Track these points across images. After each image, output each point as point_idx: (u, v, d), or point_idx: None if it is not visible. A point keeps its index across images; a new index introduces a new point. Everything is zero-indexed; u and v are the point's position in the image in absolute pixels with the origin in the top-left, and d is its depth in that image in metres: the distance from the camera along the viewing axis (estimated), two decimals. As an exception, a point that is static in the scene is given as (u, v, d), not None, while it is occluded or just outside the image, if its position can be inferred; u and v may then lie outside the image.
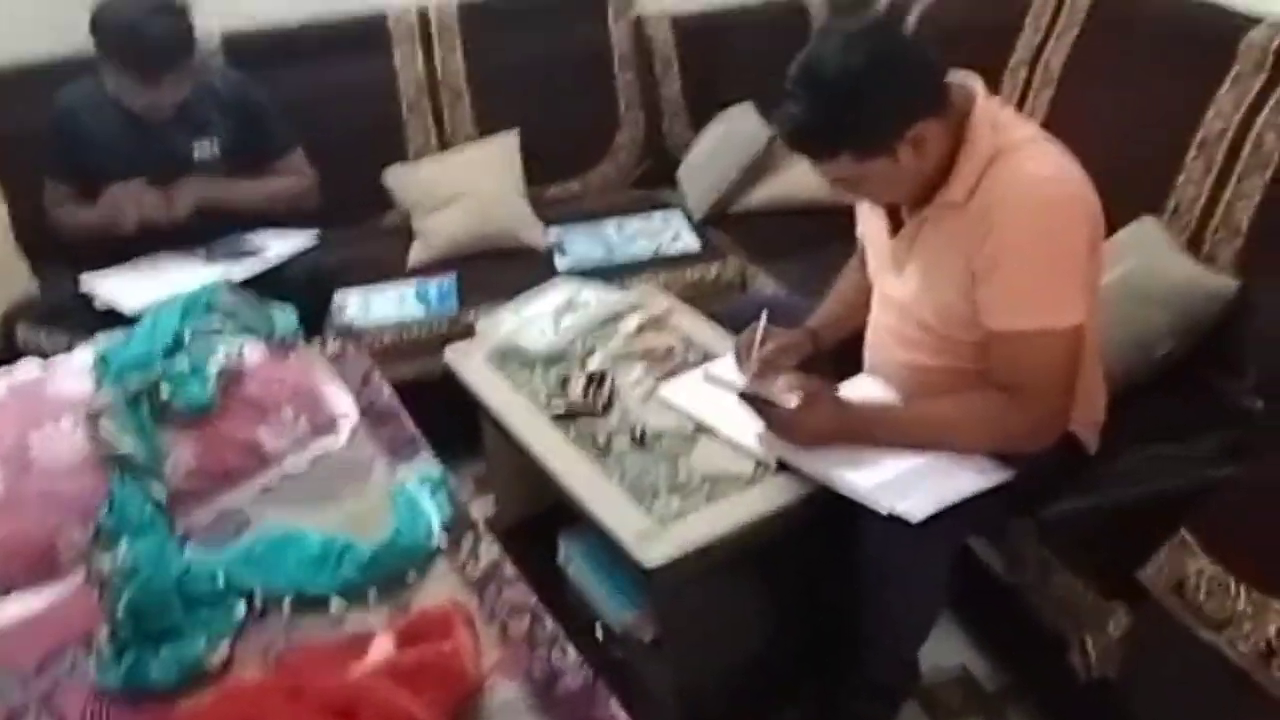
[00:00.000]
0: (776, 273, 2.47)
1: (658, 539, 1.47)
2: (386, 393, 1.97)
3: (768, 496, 1.54)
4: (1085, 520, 1.56)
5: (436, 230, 2.67)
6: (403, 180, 2.75)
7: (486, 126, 2.83)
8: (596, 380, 1.84)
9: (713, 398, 1.71)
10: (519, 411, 1.82)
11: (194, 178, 2.32)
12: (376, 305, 2.45)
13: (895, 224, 1.60)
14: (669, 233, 2.69)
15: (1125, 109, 2.08)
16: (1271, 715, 1.19)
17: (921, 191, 1.50)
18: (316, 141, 2.53)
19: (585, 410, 1.78)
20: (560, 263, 2.59)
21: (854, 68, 1.37)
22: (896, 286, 1.62)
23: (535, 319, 2.07)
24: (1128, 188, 2.02)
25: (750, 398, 1.53)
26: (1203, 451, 1.68)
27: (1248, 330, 1.78)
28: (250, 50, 2.67)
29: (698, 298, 2.48)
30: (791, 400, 1.51)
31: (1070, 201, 1.41)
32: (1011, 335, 1.43)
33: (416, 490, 1.64)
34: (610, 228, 2.74)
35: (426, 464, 1.72)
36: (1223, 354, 1.84)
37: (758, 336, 1.72)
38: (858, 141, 1.41)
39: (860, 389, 1.65)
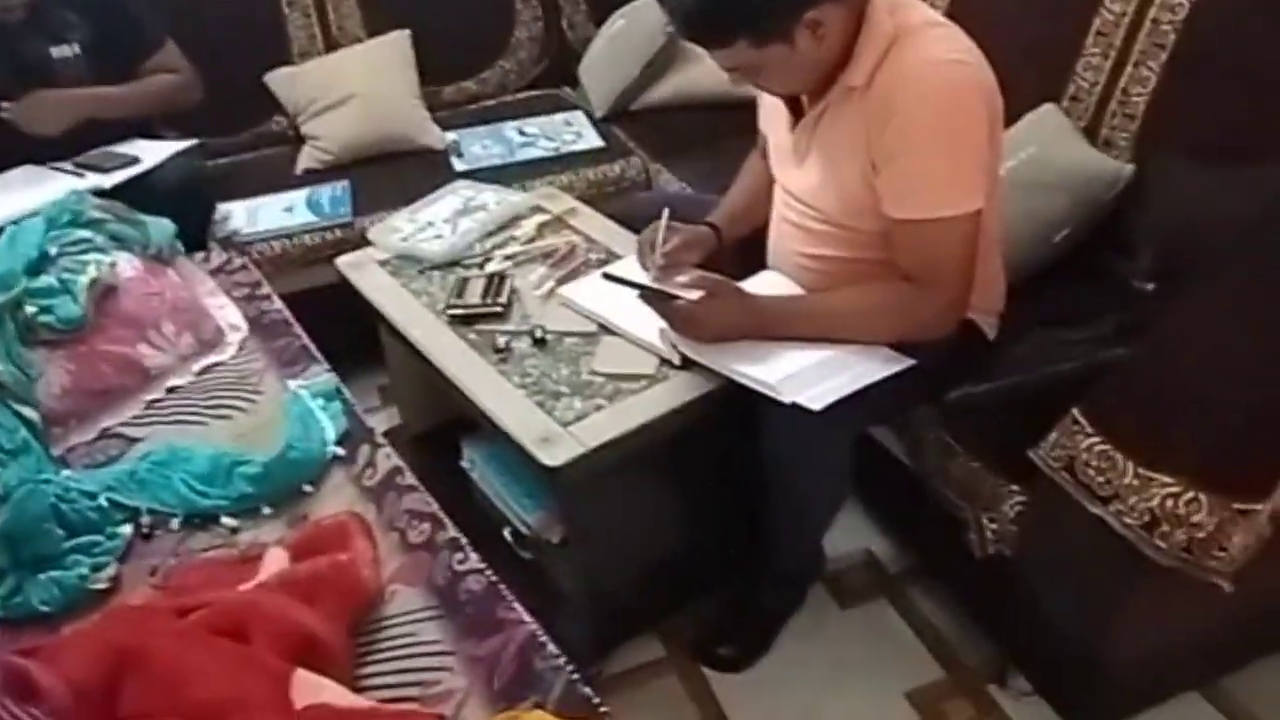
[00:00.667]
0: (681, 169, 2.42)
1: (560, 440, 1.44)
2: (276, 304, 1.89)
3: (671, 393, 1.52)
4: (984, 405, 1.57)
5: (326, 135, 2.55)
6: (286, 83, 2.61)
7: (375, 25, 2.69)
8: (495, 282, 1.79)
9: (614, 297, 1.67)
10: (416, 318, 1.76)
11: (71, 93, 2.16)
12: (264, 215, 2.33)
13: (796, 116, 1.56)
14: (571, 132, 2.61)
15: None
16: (1156, 580, 1.23)
17: (821, 80, 1.46)
18: (190, 44, 2.38)
19: (484, 313, 1.73)
20: (458, 165, 2.50)
21: None
22: (798, 179, 1.59)
23: (431, 224, 2.00)
24: (1028, 75, 2.02)
25: (651, 294, 1.49)
26: (1098, 334, 1.71)
27: (1141, 214, 1.80)
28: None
29: (601, 197, 2.44)
30: (693, 295, 1.48)
31: (970, 85, 1.39)
32: (912, 223, 1.42)
33: (310, 401, 1.58)
34: (510, 129, 2.65)
35: (319, 375, 1.67)
36: (1118, 238, 1.86)
37: (660, 234, 1.68)
38: (752, 27, 1.36)
39: (764, 284, 1.63)
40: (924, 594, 1.82)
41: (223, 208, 2.36)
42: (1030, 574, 1.42)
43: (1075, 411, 1.33)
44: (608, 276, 1.51)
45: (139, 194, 2.10)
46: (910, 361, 1.46)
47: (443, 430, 1.96)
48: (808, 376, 1.41)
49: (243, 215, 2.34)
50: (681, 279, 1.50)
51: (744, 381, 1.44)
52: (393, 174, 2.46)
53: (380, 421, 2.23)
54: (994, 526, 1.47)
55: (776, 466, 1.49)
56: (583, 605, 1.64)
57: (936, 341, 1.48)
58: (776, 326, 1.49)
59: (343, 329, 1.88)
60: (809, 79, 1.48)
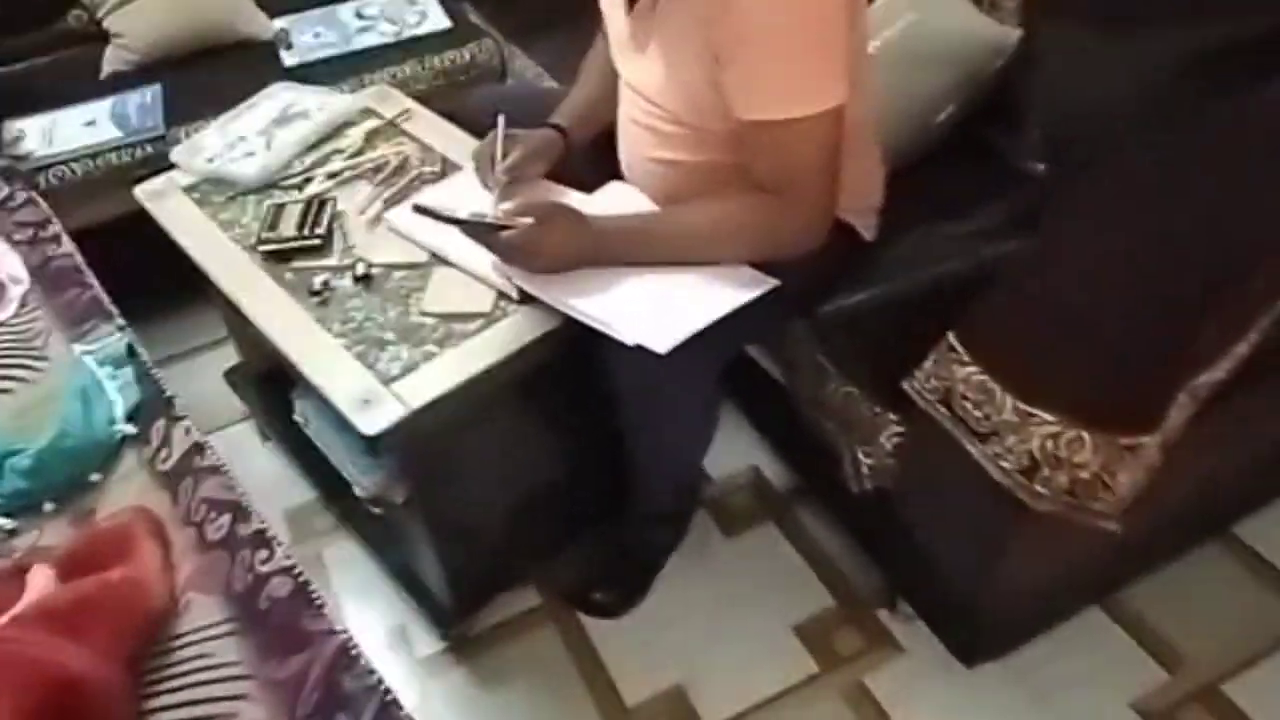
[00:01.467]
0: (539, 52, 2.17)
1: (381, 401, 1.26)
2: (65, 247, 1.65)
3: (509, 334, 1.34)
4: (862, 318, 1.43)
5: (130, 31, 2.22)
6: (81, -30, 2.26)
7: (176, -107, 2.32)
8: (314, 209, 1.56)
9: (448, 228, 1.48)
10: (223, 256, 1.53)
11: None
12: (62, 132, 2.04)
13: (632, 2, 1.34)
14: (415, 11, 2.32)
15: None
16: (1037, 521, 1.12)
17: None
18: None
19: (300, 247, 1.51)
20: (287, 58, 2.22)
21: None
22: (639, 72, 1.38)
23: (244, 138, 1.74)
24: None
25: (470, 226, 1.29)
26: (986, 226, 1.56)
27: (1030, 87, 1.63)
28: None
29: (449, 87, 2.20)
30: (520, 223, 1.28)
31: None
32: (763, 125, 1.23)
33: (96, 370, 1.37)
34: (346, 10, 2.34)
35: (110, 336, 1.44)
36: (1004, 114, 1.69)
37: (498, 146, 1.46)
38: None
39: (611, 199, 1.44)
40: (813, 516, 1.71)
41: (13, 125, 2.06)
42: (909, 511, 1.31)
43: (951, 336, 1.19)
44: (418, 209, 1.30)
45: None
46: (772, 283, 1.29)
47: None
48: (652, 310, 1.24)
49: (37, 134, 2.04)
50: (505, 205, 1.30)
51: (582, 319, 1.26)
52: (210, 74, 2.17)
53: (226, 358, 2.03)
54: (870, 461, 1.35)
55: (633, 407, 1.33)
56: (439, 564, 1.50)
57: (804, 255, 1.32)
58: (619, 251, 1.31)
59: (166, 259, 1.64)
60: None
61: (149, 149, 2.02)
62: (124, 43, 2.22)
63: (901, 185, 1.54)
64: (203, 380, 2.02)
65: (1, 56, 2.29)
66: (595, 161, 1.56)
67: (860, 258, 1.49)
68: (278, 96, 1.84)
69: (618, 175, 1.53)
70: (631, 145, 1.47)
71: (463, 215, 1.33)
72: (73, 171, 1.99)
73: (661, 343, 1.19)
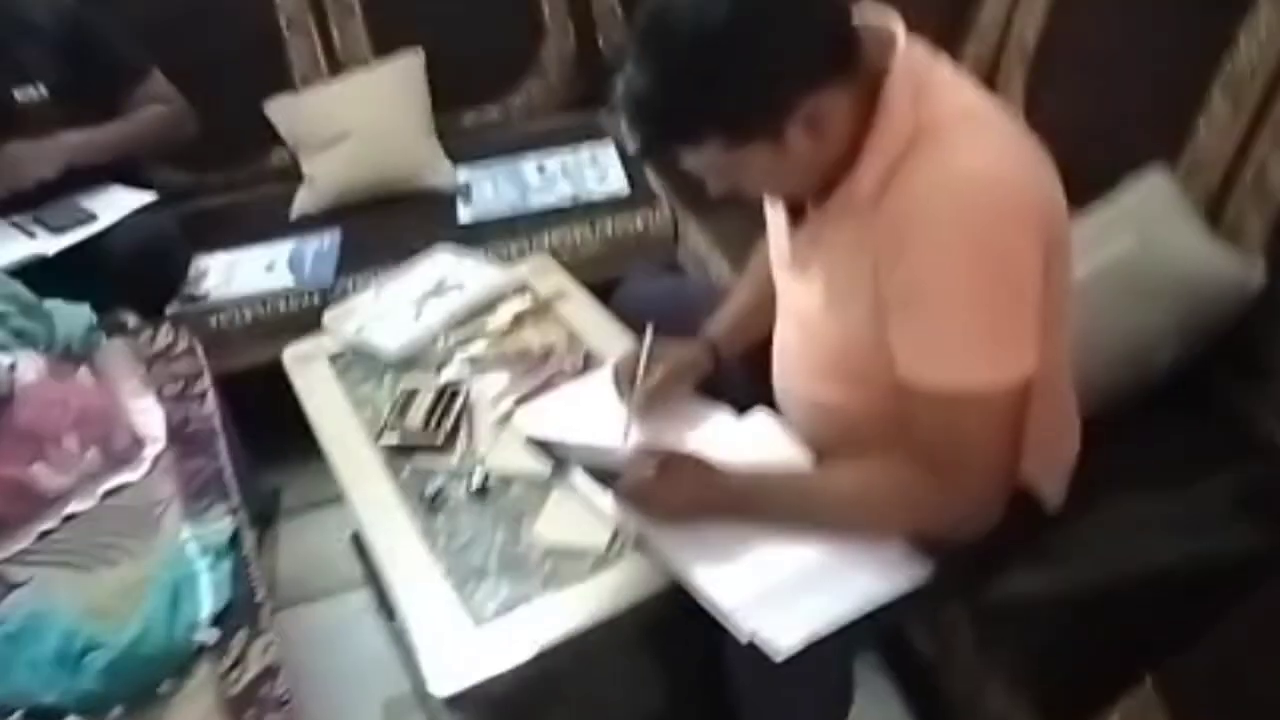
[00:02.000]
0: (713, 224, 2.06)
1: (460, 652, 1.13)
2: (208, 408, 1.63)
3: (616, 587, 1.19)
4: (1035, 614, 1.19)
5: (324, 175, 2.28)
6: (287, 113, 2.35)
7: (384, 45, 2.40)
8: (446, 398, 1.48)
9: (580, 428, 1.36)
10: (347, 439, 1.48)
11: (45, 144, 1.95)
12: (241, 274, 2.09)
13: (795, 217, 1.20)
14: (595, 171, 2.27)
15: (1135, 21, 1.61)
16: None
17: (825, 180, 1.09)
18: (181, 70, 2.15)
19: (424, 442, 1.43)
20: (464, 213, 2.20)
21: (718, 19, 0.95)
22: (800, 294, 1.23)
23: (395, 307, 1.71)
24: (1133, 127, 1.59)
25: (587, 460, 1.16)
26: (1207, 507, 1.29)
27: (1275, 336, 1.36)
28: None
29: (619, 253, 2.12)
30: (643, 467, 1.14)
31: (1010, 209, 0.99)
32: (931, 393, 1.04)
33: (195, 559, 1.31)
34: (529, 166, 2.32)
35: (220, 519, 1.40)
36: (1244, 363, 1.42)
37: (641, 362, 1.34)
38: (725, 124, 1.00)
39: (757, 434, 1.28)
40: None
41: (201, 262, 2.13)
42: None
43: (1150, 682, 0.95)
44: (532, 442, 1.18)
45: (91, 255, 1.89)
46: (922, 576, 1.09)
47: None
48: (776, 597, 1.06)
49: (220, 272, 2.10)
50: (631, 443, 1.15)
51: (694, 594, 1.09)
52: (389, 224, 2.19)
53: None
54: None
55: (748, 691, 1.15)
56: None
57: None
58: (749, 509, 1.14)
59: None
60: (806, 182, 1.11)
61: (316, 299, 2.03)
62: (315, 186, 2.28)
63: (1103, 439, 1.29)
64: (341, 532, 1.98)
65: (210, 188, 2.41)
66: (749, 377, 1.42)
67: (1040, 530, 1.25)
68: (438, 261, 1.81)
69: (771, 395, 1.37)
70: (788, 376, 1.31)
71: (576, 444, 1.21)
72: (243, 315, 2.03)
73: (781, 645, 1.01)
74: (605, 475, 1.15)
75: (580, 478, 1.28)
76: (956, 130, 1.02)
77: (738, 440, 1.26)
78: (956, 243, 0.99)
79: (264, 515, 2.12)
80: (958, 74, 1.10)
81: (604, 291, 1.68)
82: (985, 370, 1.02)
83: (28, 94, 1.98)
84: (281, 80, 2.38)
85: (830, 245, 1.13)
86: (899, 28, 1.07)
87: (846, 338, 1.15)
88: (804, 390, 1.26)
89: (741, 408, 1.54)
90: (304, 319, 1.97)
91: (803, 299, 1.22)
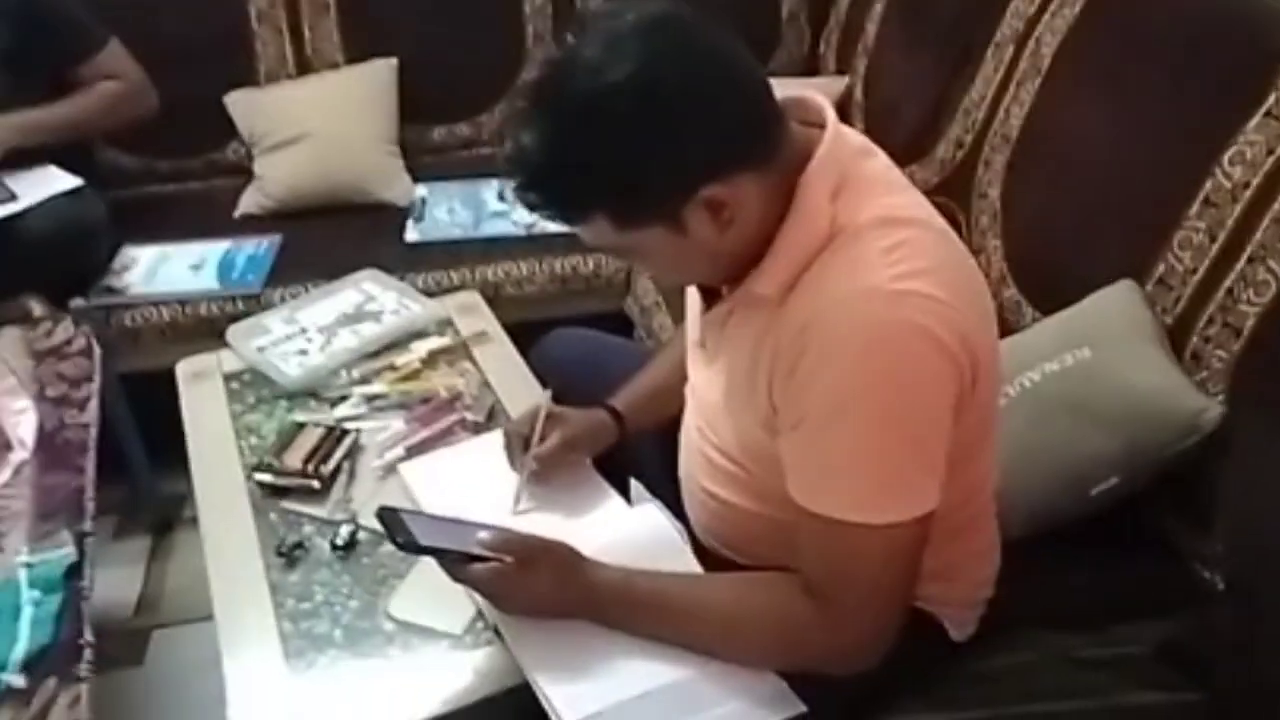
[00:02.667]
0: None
1: (280, 734, 1.02)
2: (86, 415, 1.53)
3: (468, 679, 1.07)
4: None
5: (274, 175, 2.19)
6: (246, 107, 2.26)
7: (357, 50, 2.31)
8: (333, 439, 1.38)
9: (463, 490, 1.26)
10: (218, 472, 1.37)
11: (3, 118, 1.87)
12: (166, 272, 1.99)
13: (708, 301, 1.09)
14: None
15: (1123, 126, 1.52)
16: None
17: (735, 268, 0.98)
18: (142, 52, 2.07)
19: (298, 485, 1.32)
20: (412, 232, 2.10)
21: (615, 86, 0.84)
22: (704, 382, 1.12)
23: (305, 330, 1.60)
24: (1108, 236, 1.50)
25: (433, 551, 1.05)
26: (1131, 651, 1.19)
27: (1224, 481, 1.26)
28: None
29: (566, 294, 2.03)
30: (502, 559, 1.03)
31: (925, 338, 0.88)
32: (818, 517, 0.93)
33: (22, 590, 1.20)
34: (489, 189, 2.22)
35: (61, 547, 1.29)
36: (1185, 498, 1.32)
37: (536, 428, 1.24)
38: (614, 202, 0.90)
39: (638, 530, 1.17)
40: None
41: (129, 253, 2.03)
42: None
43: None
44: (383, 514, 1.06)
45: (6, 236, 1.80)
46: (799, 710, 0.98)
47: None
48: (624, 718, 0.95)
49: (146, 266, 2.00)
50: (483, 536, 1.04)
51: (536, 690, 0.98)
52: (332, 235, 2.09)
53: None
54: None
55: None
56: None
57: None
58: (611, 615, 1.03)
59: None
60: (710, 271, 1.01)
61: (240, 305, 1.93)
62: (262, 185, 2.18)
63: (1029, 565, 1.19)
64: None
65: (159, 175, 2.31)
66: (660, 453, 1.31)
67: (941, 660, 1.15)
68: (360, 287, 1.71)
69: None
70: (688, 462, 1.20)
71: (441, 518, 1.10)
72: (160, 315, 1.93)
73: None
74: (458, 560, 1.04)
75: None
76: (877, 236, 0.91)
77: (620, 534, 1.16)
78: (858, 369, 0.88)
79: (164, 522, 2.02)
80: (891, 171, 1.00)
81: (541, 333, 1.58)
82: (880, 506, 0.91)
83: (-31, 62, 1.90)
84: (246, 74, 2.29)
85: (734, 338, 1.03)
86: (829, 113, 0.97)
87: (742, 439, 1.05)
88: (702, 482, 1.16)
89: (650, 483, 1.45)
90: (221, 325, 1.86)
91: (706, 388, 1.12)
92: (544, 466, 1.24)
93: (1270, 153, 1.28)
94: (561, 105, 0.87)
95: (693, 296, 1.14)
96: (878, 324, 0.87)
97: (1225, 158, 1.32)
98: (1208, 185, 1.34)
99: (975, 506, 1.10)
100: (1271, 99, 1.29)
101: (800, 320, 0.91)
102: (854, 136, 0.99)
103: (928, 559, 0.98)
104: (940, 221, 0.97)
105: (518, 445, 1.25)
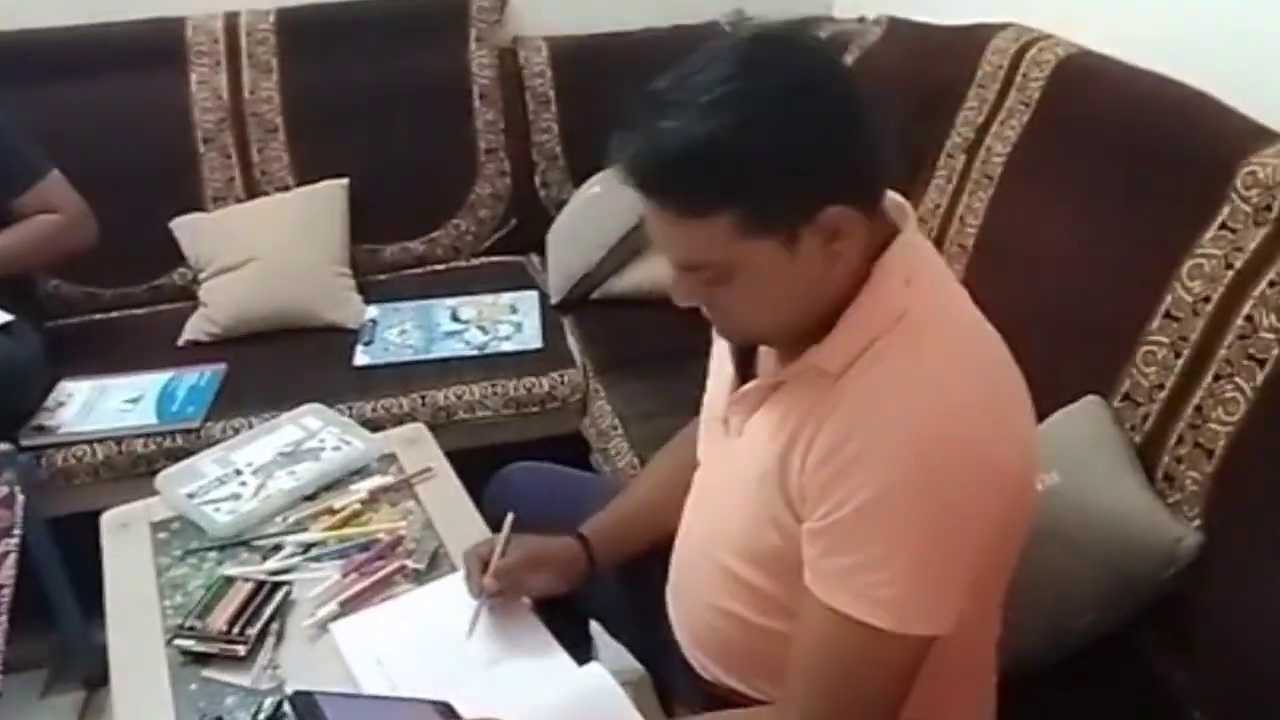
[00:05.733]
0: (621, 397, 1.90)
1: None
2: (4, 574, 1.43)
3: None
4: None
5: (220, 301, 2.13)
6: (193, 232, 2.21)
7: (307, 172, 2.27)
8: (263, 594, 1.29)
9: (400, 650, 1.17)
10: (135, 637, 1.27)
11: None
12: (102, 408, 1.90)
13: (742, 376, 1.04)
14: (510, 323, 2.12)
15: (1080, 236, 1.49)
16: None
17: (808, 323, 0.92)
18: (86, 179, 2.02)
19: (222, 651, 1.22)
20: (361, 356, 2.04)
21: (773, 86, 0.83)
22: (720, 460, 1.07)
23: (240, 473, 1.52)
24: (1072, 348, 1.45)
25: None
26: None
27: (1208, 607, 1.19)
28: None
29: (518, 418, 1.96)
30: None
31: (986, 474, 0.86)
32: (832, 614, 0.88)
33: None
34: (443, 309, 2.17)
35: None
36: (1169, 632, 1.24)
37: (497, 551, 1.18)
38: (754, 201, 0.84)
39: (583, 695, 1.08)
40: None
41: (66, 387, 1.96)
42: None
43: None
44: (296, 700, 0.97)
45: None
46: None
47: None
48: None
49: (80, 403, 1.92)
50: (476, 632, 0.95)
51: None
52: (279, 362, 2.02)
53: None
54: None
55: None
56: None
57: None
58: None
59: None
60: (787, 316, 0.93)
61: (178, 440, 1.85)
62: (208, 312, 2.12)
63: (1007, 706, 1.11)
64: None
65: (102, 304, 2.25)
66: (625, 588, 1.25)
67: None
68: (299, 423, 1.63)
69: (646, 609, 1.19)
70: (690, 576, 1.13)
71: (368, 697, 1.02)
72: (94, 453, 1.84)
73: None
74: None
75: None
76: (943, 334, 0.90)
77: (564, 699, 1.07)
78: (911, 474, 0.84)
79: (99, 675, 1.90)
80: (956, 283, 0.98)
81: (495, 457, 1.51)
82: (898, 616, 0.86)
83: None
84: (193, 199, 2.24)
85: (776, 414, 0.97)
86: (909, 210, 0.96)
87: (763, 534, 0.98)
88: (707, 598, 1.08)
89: (612, 626, 1.37)
90: (158, 461, 1.79)
91: (721, 468, 1.06)
92: (505, 585, 1.17)
93: (1229, 266, 1.24)
94: (714, 94, 0.82)
95: (721, 370, 1.09)
96: (940, 436, 0.85)
97: (1183, 271, 1.29)
98: (1168, 299, 1.31)
99: (978, 653, 1.06)
100: (1225, 210, 1.26)
101: (853, 404, 0.88)
102: (924, 238, 0.98)
103: (919, 699, 0.92)
104: (997, 341, 0.95)
105: (476, 568, 1.18)
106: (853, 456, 0.86)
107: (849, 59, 2.18)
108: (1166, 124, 1.42)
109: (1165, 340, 1.30)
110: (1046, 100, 1.60)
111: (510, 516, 1.23)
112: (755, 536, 1.00)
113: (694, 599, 1.12)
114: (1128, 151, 1.45)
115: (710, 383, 1.13)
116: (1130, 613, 1.23)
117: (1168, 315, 1.30)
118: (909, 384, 0.87)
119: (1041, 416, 1.37)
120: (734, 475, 1.03)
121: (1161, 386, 1.30)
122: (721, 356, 1.09)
